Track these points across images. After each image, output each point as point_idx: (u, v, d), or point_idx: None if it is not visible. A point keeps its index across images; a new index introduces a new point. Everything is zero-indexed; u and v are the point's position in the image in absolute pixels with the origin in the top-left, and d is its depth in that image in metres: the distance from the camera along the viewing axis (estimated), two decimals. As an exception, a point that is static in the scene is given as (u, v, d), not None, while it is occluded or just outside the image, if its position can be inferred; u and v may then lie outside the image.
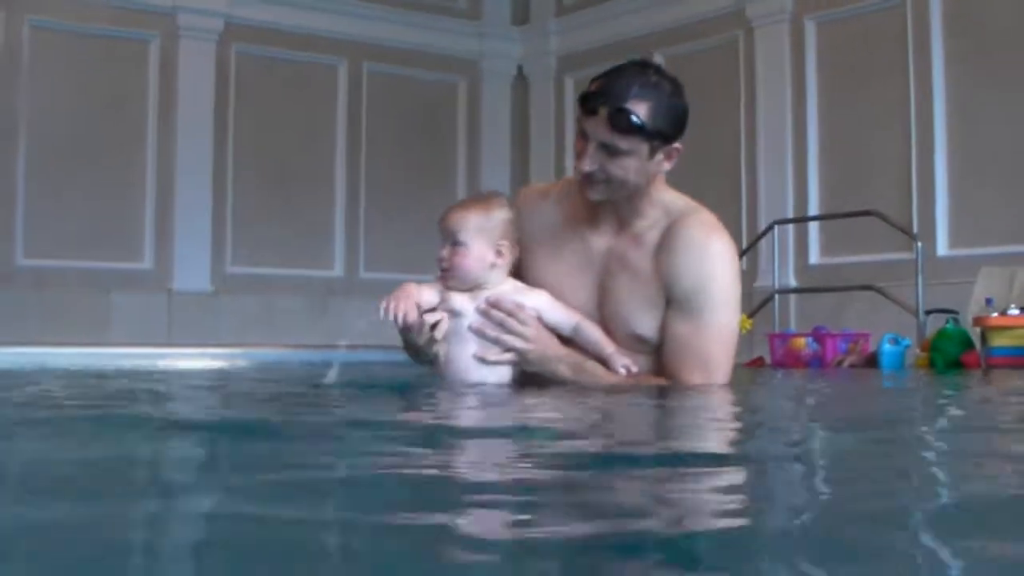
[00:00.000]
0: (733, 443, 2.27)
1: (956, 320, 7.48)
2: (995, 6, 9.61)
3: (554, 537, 1.20)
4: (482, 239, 3.74)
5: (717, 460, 1.94)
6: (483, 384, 3.74)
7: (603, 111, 3.64)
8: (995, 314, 7.03)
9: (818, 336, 8.10)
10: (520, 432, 2.38)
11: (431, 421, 2.81)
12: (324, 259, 12.33)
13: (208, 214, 11.60)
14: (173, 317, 11.26)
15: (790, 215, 10.60)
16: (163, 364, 7.18)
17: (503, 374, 3.78)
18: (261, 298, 11.72)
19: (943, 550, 1.18)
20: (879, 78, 10.27)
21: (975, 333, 7.21)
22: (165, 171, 11.42)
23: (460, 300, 3.76)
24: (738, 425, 2.83)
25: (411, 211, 12.64)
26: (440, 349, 3.77)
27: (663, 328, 3.81)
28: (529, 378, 3.83)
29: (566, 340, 3.84)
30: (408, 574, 1.05)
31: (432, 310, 3.78)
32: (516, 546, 1.16)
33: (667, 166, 3.80)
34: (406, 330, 3.78)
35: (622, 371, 3.75)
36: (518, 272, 3.91)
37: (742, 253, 8.48)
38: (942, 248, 9.72)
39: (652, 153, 3.70)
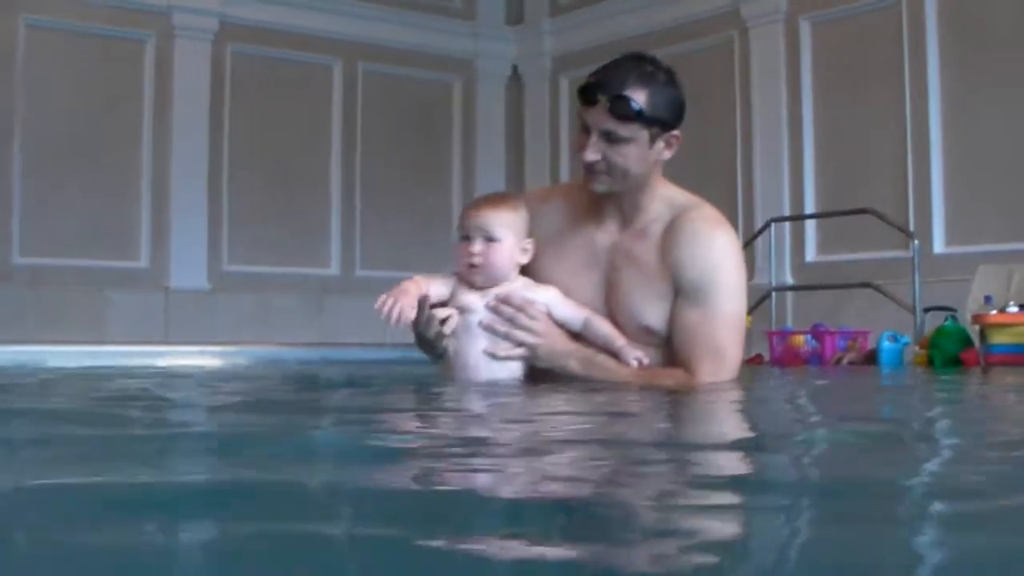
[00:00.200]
0: (745, 456, 2.28)
1: (954, 318, 7.50)
2: (990, 5, 9.63)
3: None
4: (513, 236, 3.75)
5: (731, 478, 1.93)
6: (493, 380, 3.73)
7: (603, 100, 3.72)
8: (994, 311, 7.04)
9: (817, 334, 8.11)
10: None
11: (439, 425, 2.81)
12: (320, 258, 12.33)
13: (204, 213, 11.59)
14: (170, 315, 11.25)
15: (787, 213, 10.62)
16: (162, 362, 7.18)
17: (513, 370, 3.78)
18: (257, 296, 11.72)
19: (941, 550, 1.19)
20: (875, 77, 10.29)
21: (974, 331, 7.22)
22: (161, 170, 11.42)
23: (470, 296, 3.76)
24: (751, 430, 2.83)
25: (406, 210, 12.67)
26: (450, 344, 3.77)
27: (672, 319, 3.84)
28: (539, 374, 3.84)
29: (576, 336, 3.85)
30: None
31: (443, 304, 3.78)
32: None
33: (667, 154, 3.85)
34: (413, 324, 3.78)
35: (634, 363, 3.77)
36: (525, 273, 3.93)
37: (740, 251, 8.48)
38: (939, 246, 9.74)
39: (652, 140, 3.77)
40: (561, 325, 3.84)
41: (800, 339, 8.18)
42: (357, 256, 12.49)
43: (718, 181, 10.80)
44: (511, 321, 3.75)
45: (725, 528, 1.29)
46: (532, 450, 1.94)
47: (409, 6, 12.96)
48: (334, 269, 12.40)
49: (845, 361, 7.79)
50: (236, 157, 11.81)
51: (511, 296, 3.77)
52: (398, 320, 3.62)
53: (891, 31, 10.16)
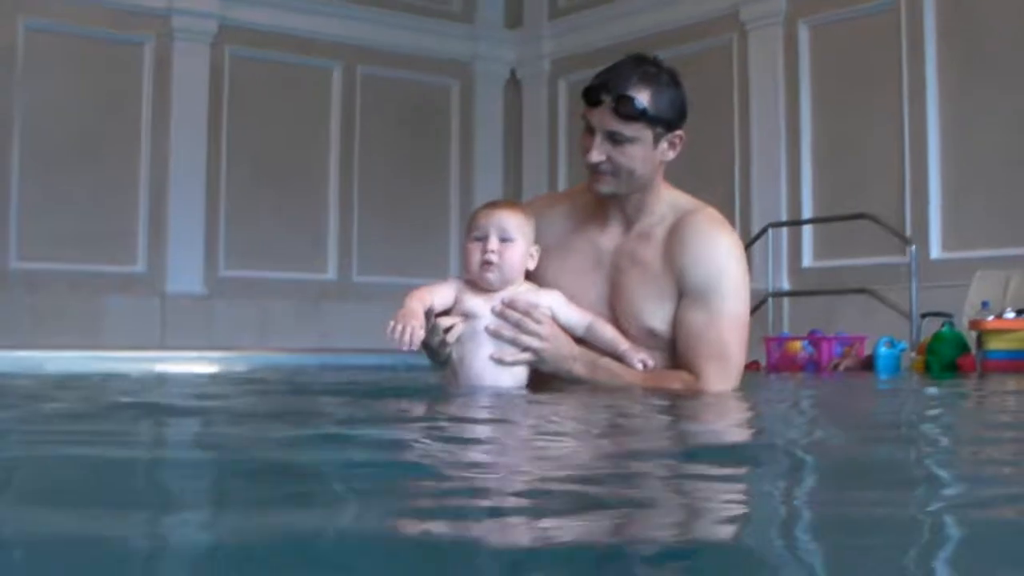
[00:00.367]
0: (744, 456, 2.27)
1: (951, 323, 7.50)
2: (988, 10, 9.63)
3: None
4: (524, 240, 3.77)
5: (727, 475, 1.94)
6: (498, 386, 3.73)
7: (607, 100, 3.76)
8: (991, 317, 7.04)
9: (814, 340, 8.10)
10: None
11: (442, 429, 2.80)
12: (317, 263, 12.33)
13: (201, 217, 11.59)
14: (166, 320, 11.25)
15: (784, 218, 10.62)
16: (160, 368, 7.18)
17: (518, 376, 3.78)
18: (254, 301, 11.71)
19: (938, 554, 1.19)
20: (873, 81, 10.29)
21: (971, 336, 7.22)
22: (159, 174, 11.41)
23: (475, 302, 3.76)
24: (751, 436, 2.83)
25: (404, 214, 12.67)
26: (454, 351, 3.76)
27: (677, 321, 3.85)
28: (543, 378, 3.84)
29: (580, 341, 3.86)
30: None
31: (447, 312, 3.77)
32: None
33: (671, 155, 3.88)
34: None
35: (639, 366, 3.78)
36: (529, 278, 3.93)
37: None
38: (935, 251, 9.74)
39: (656, 141, 3.80)
40: (565, 329, 3.85)
41: (797, 345, 8.18)
42: (354, 261, 12.48)
43: (716, 185, 10.79)
44: (517, 325, 3.76)
45: (722, 534, 1.29)
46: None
47: (408, 9, 12.97)
48: (331, 274, 12.39)
49: (842, 367, 7.79)
50: (234, 161, 11.81)
51: (516, 300, 3.77)
52: (411, 343, 3.58)
53: (890, 35, 10.15)
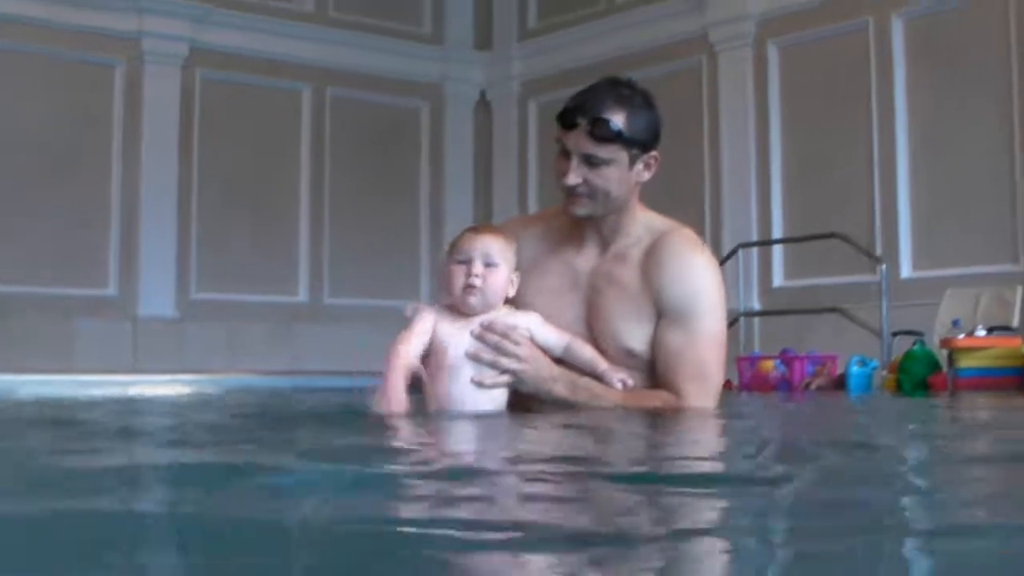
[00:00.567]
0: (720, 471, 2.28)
1: (922, 342, 7.54)
2: (957, 32, 9.71)
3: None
4: (508, 265, 3.76)
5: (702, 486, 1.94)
6: (478, 410, 3.72)
7: (582, 123, 3.75)
8: (962, 336, 7.08)
9: (785, 359, 8.13)
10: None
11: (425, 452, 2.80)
12: (289, 285, 12.32)
13: (173, 240, 11.58)
14: (138, 343, 11.22)
15: (754, 238, 10.66)
16: (132, 391, 7.14)
17: (498, 399, 3.76)
18: (226, 324, 11.70)
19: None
20: (842, 102, 10.36)
21: (942, 355, 7.26)
22: (130, 197, 11.40)
23: (453, 327, 3.74)
24: (729, 453, 2.84)
25: (375, 236, 12.68)
26: (424, 375, 3.75)
27: (656, 342, 3.86)
28: (523, 400, 3.82)
29: (558, 361, 3.85)
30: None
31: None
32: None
33: (646, 176, 3.88)
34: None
35: (618, 385, 3.78)
36: (506, 300, 3.92)
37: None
38: (905, 270, 9.80)
39: (632, 162, 3.80)
40: (543, 350, 3.84)
41: (769, 364, 8.21)
42: (326, 283, 12.49)
43: (686, 206, 10.82)
44: (496, 348, 3.75)
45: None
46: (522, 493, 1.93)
47: (377, 31, 12.99)
48: (303, 296, 12.39)
49: (814, 386, 7.82)
50: (205, 183, 11.81)
51: (494, 323, 3.76)
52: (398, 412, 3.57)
53: (859, 56, 10.23)
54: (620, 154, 3.77)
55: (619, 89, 3.84)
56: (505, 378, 3.74)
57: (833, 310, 9.18)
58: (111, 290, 11.34)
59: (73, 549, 1.28)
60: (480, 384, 3.72)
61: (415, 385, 3.73)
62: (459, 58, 13.54)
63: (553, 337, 3.84)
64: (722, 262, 9.98)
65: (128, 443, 2.95)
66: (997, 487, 2.03)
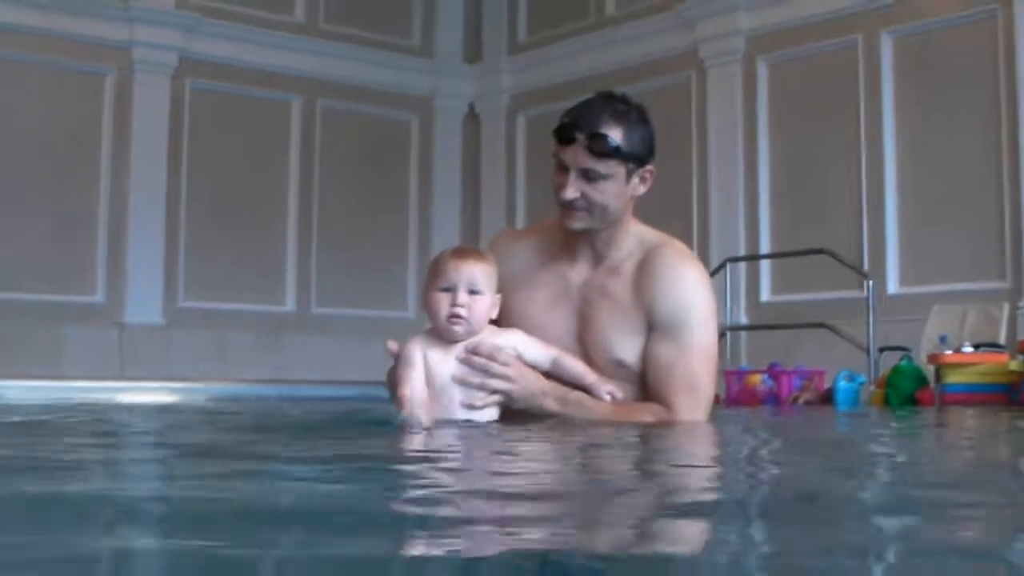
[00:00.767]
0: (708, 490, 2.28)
1: (909, 357, 7.58)
2: (945, 49, 9.77)
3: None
4: (491, 290, 3.76)
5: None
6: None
7: (580, 138, 3.77)
8: (949, 351, 7.12)
9: (773, 373, 8.15)
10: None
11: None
12: (276, 294, 12.33)
13: (161, 248, 11.58)
14: (125, 351, 11.22)
15: (742, 253, 10.69)
16: (120, 398, 7.14)
17: (489, 414, 3.78)
18: (213, 332, 11.70)
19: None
20: (831, 118, 10.41)
21: (929, 370, 7.29)
22: (118, 205, 11.41)
23: (440, 353, 3.74)
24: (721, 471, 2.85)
25: (363, 247, 12.69)
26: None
27: (647, 354, 3.87)
28: (514, 413, 3.83)
29: (547, 375, 3.86)
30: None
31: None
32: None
33: (642, 190, 3.90)
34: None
35: (607, 398, 3.79)
36: (498, 312, 3.93)
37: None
38: (893, 286, 9.84)
39: (629, 176, 3.83)
40: (531, 366, 3.84)
41: (757, 378, 8.22)
42: (313, 293, 12.50)
43: (674, 220, 10.82)
44: (484, 371, 3.75)
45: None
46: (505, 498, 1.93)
47: (367, 44, 13.01)
48: (290, 306, 12.40)
49: (801, 400, 7.83)
50: (193, 193, 11.82)
51: (480, 346, 3.76)
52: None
53: (848, 73, 10.28)
54: (618, 169, 3.80)
55: (615, 104, 3.87)
56: (495, 398, 3.76)
57: (820, 325, 9.20)
58: (99, 297, 11.34)
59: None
60: (471, 406, 3.74)
61: None
62: (449, 71, 13.58)
63: (540, 353, 3.84)
64: (710, 276, 10.02)
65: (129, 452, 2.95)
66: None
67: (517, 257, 4.06)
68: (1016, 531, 1.57)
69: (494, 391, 3.75)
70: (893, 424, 5.07)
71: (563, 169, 3.82)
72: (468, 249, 3.90)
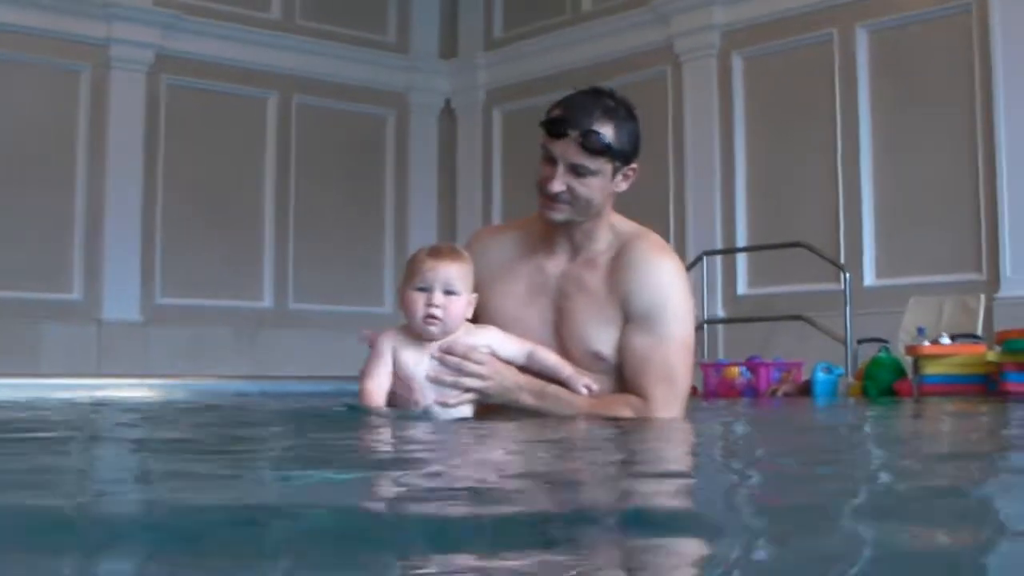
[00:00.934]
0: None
1: (887, 349, 7.62)
2: (920, 43, 9.82)
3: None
4: (467, 289, 3.77)
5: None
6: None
7: (573, 133, 3.78)
8: (927, 343, 7.16)
9: (751, 366, 8.20)
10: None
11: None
12: (253, 290, 12.32)
13: (138, 244, 11.57)
14: (102, 348, 11.20)
15: (718, 246, 10.73)
16: (99, 395, 7.13)
17: (463, 411, 3.79)
18: (191, 329, 11.69)
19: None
20: (806, 112, 10.45)
21: (907, 362, 7.33)
22: (95, 201, 11.39)
23: (413, 352, 3.76)
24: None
25: (340, 243, 12.70)
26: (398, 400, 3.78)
27: (623, 346, 3.88)
28: (491, 407, 3.85)
29: (524, 369, 3.87)
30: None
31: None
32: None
33: (624, 186, 3.92)
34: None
35: (583, 391, 3.80)
36: (475, 308, 3.94)
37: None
38: (869, 278, 9.89)
39: (615, 173, 3.84)
40: (507, 362, 3.85)
41: (735, 371, 8.27)
42: (290, 289, 12.49)
43: (651, 214, 10.84)
44: (457, 370, 3.76)
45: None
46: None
47: (343, 40, 13.01)
48: (267, 302, 12.39)
49: (780, 393, 7.88)
50: (170, 189, 11.80)
51: (453, 345, 3.77)
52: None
53: (823, 67, 10.32)
54: (606, 166, 3.83)
55: (606, 100, 3.89)
56: (469, 396, 3.78)
57: (797, 318, 9.25)
58: (76, 294, 11.32)
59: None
60: (444, 404, 3.75)
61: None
62: (424, 67, 13.58)
63: (514, 348, 3.85)
64: (687, 270, 10.06)
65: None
66: None
67: (495, 252, 4.08)
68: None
69: (468, 389, 3.77)
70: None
71: (550, 161, 3.84)
72: (445, 248, 3.88)
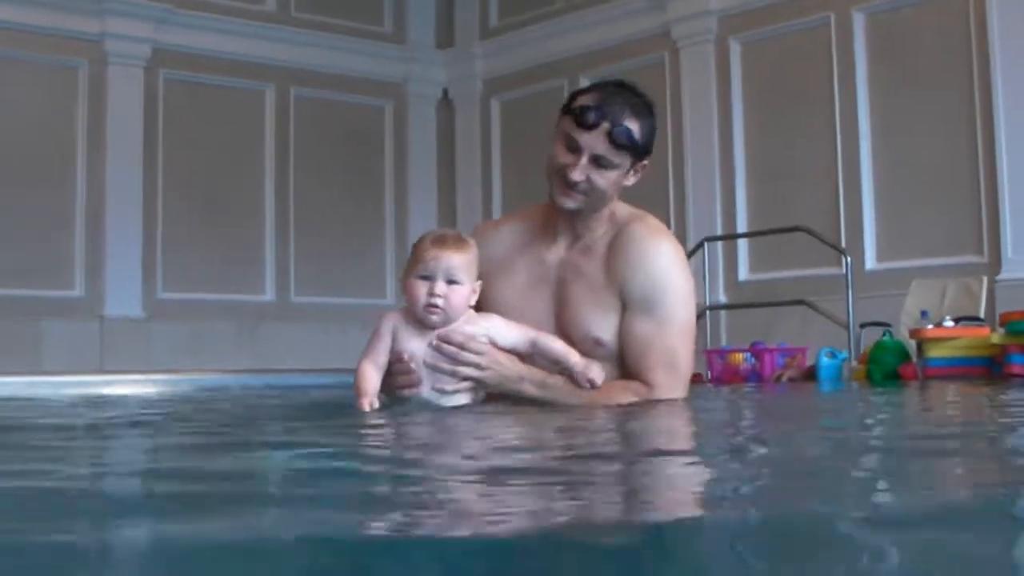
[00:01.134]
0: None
1: (890, 332, 7.61)
2: (917, 27, 9.81)
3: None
4: (471, 279, 3.75)
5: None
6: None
7: (604, 126, 3.79)
8: (931, 326, 7.15)
9: (756, 351, 8.18)
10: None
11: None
12: (255, 284, 12.32)
13: (139, 240, 11.57)
14: (105, 344, 11.20)
15: (719, 232, 10.73)
16: (104, 391, 7.13)
17: (460, 399, 3.78)
18: (193, 324, 11.70)
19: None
20: (805, 96, 10.45)
21: (911, 345, 7.32)
22: (95, 197, 11.38)
23: (413, 339, 3.75)
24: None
25: (340, 234, 12.70)
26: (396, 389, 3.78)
27: (624, 331, 3.88)
28: (493, 396, 3.84)
29: (530, 358, 3.85)
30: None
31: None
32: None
33: (633, 180, 3.94)
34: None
35: (587, 386, 3.77)
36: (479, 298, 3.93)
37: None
38: (870, 262, 9.90)
39: (631, 168, 3.85)
40: (509, 351, 3.83)
41: (739, 357, 8.25)
42: (292, 282, 12.49)
43: (650, 201, 10.77)
44: (454, 359, 3.74)
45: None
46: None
47: (340, 31, 13.01)
48: (269, 295, 12.39)
49: (785, 378, 7.86)
50: (170, 184, 11.80)
51: (451, 334, 3.75)
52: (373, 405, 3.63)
53: (821, 51, 10.32)
54: (626, 160, 3.86)
55: (632, 96, 3.92)
56: (467, 384, 3.76)
57: (799, 302, 9.25)
58: (77, 291, 11.32)
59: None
60: (442, 391, 3.74)
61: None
62: (421, 57, 13.58)
63: (516, 336, 3.82)
64: (688, 256, 10.05)
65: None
66: None
67: (497, 244, 4.08)
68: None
69: (464, 378, 3.76)
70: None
71: (573, 150, 3.84)
72: (448, 236, 3.85)
